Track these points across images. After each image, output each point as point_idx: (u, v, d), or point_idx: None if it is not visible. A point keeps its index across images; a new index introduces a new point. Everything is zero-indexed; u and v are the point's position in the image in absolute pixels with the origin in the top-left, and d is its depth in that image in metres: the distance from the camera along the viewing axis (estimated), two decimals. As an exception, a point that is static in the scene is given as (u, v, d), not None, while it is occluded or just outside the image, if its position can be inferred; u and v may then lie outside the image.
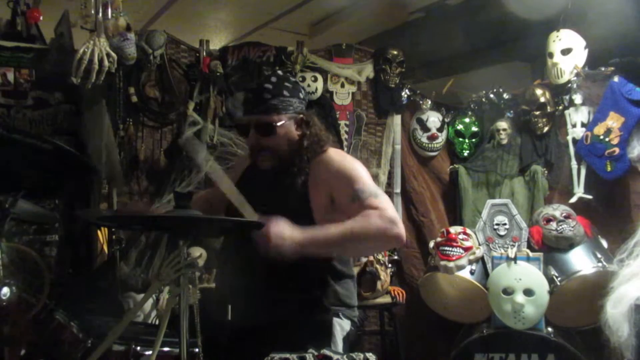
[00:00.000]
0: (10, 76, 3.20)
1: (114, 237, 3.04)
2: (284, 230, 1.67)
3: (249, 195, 1.95)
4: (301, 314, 1.81)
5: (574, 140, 3.32)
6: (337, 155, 1.91)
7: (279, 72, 2.00)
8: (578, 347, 2.89)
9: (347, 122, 3.61)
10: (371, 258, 3.24)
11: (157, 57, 3.20)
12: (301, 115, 1.91)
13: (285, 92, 1.87)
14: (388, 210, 1.76)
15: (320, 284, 1.88)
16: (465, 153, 3.63)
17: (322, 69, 3.56)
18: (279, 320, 1.80)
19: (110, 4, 2.99)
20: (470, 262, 3.11)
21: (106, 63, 2.91)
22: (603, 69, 3.26)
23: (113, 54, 2.95)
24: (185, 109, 3.26)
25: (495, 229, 3.22)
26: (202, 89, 3.31)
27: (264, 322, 1.79)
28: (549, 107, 3.40)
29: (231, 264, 1.95)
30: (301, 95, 1.92)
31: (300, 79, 3.45)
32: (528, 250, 3.05)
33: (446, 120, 3.66)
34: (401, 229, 1.76)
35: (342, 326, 1.90)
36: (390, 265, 3.40)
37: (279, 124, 1.85)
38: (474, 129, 3.62)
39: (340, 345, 1.87)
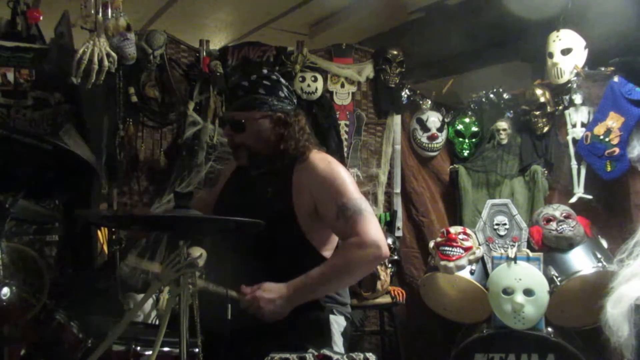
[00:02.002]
0: (10, 76, 3.20)
1: (113, 237, 3.04)
2: (270, 295, 1.72)
3: (232, 198, 1.95)
4: (297, 313, 1.80)
5: (574, 140, 3.31)
6: (321, 163, 1.86)
7: (264, 71, 1.99)
8: (578, 347, 2.89)
9: (347, 122, 3.60)
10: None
11: (157, 57, 3.19)
12: (278, 114, 1.87)
13: (261, 90, 1.86)
14: (369, 234, 1.76)
15: None
16: (465, 153, 3.63)
17: (322, 69, 3.55)
18: (276, 321, 1.79)
19: (110, 4, 2.99)
20: (470, 262, 3.11)
21: (106, 63, 2.91)
22: (603, 69, 3.26)
23: (113, 54, 2.95)
24: (185, 109, 3.25)
25: (495, 229, 3.22)
26: (202, 89, 3.31)
27: (260, 323, 1.78)
28: (549, 107, 3.40)
29: (226, 264, 1.95)
30: (281, 95, 1.88)
31: (300, 79, 3.45)
32: (528, 250, 3.05)
33: (446, 120, 3.66)
34: (382, 248, 1.76)
35: (338, 322, 1.91)
36: (390, 265, 3.39)
37: (248, 120, 1.85)
38: (474, 129, 3.62)
39: (340, 341, 1.89)
